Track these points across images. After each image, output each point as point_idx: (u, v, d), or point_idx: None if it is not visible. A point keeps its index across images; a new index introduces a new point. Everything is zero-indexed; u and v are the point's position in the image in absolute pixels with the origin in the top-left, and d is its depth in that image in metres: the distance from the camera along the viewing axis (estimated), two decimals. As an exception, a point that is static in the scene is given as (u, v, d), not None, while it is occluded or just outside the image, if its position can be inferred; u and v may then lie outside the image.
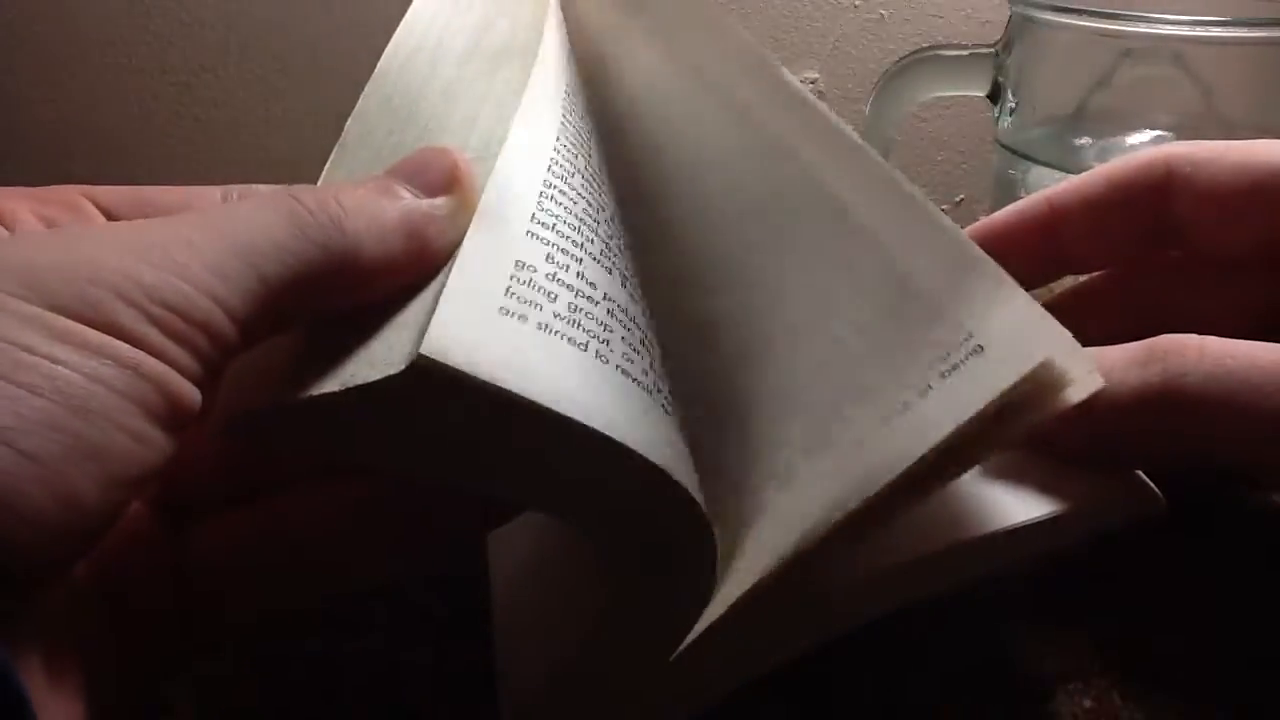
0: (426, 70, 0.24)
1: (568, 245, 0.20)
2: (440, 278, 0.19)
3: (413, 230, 0.19)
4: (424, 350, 0.16)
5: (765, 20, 0.62)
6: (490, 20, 0.25)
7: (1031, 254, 0.27)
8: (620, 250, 0.22)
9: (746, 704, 0.23)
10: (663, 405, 0.20)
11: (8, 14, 0.60)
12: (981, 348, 0.20)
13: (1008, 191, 0.43)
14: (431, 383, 0.16)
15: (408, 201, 0.19)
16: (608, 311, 0.20)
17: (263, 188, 0.23)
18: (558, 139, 0.23)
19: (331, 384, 0.17)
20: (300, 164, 0.63)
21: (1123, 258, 0.27)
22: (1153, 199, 0.25)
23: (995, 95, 0.44)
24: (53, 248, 0.16)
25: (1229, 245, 0.25)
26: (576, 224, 0.21)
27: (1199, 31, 0.37)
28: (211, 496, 0.22)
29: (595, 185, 0.23)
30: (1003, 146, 0.44)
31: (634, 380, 0.19)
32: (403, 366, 0.17)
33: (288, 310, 0.18)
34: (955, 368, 0.20)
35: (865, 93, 0.47)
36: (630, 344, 0.20)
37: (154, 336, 0.16)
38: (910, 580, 0.22)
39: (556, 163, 0.22)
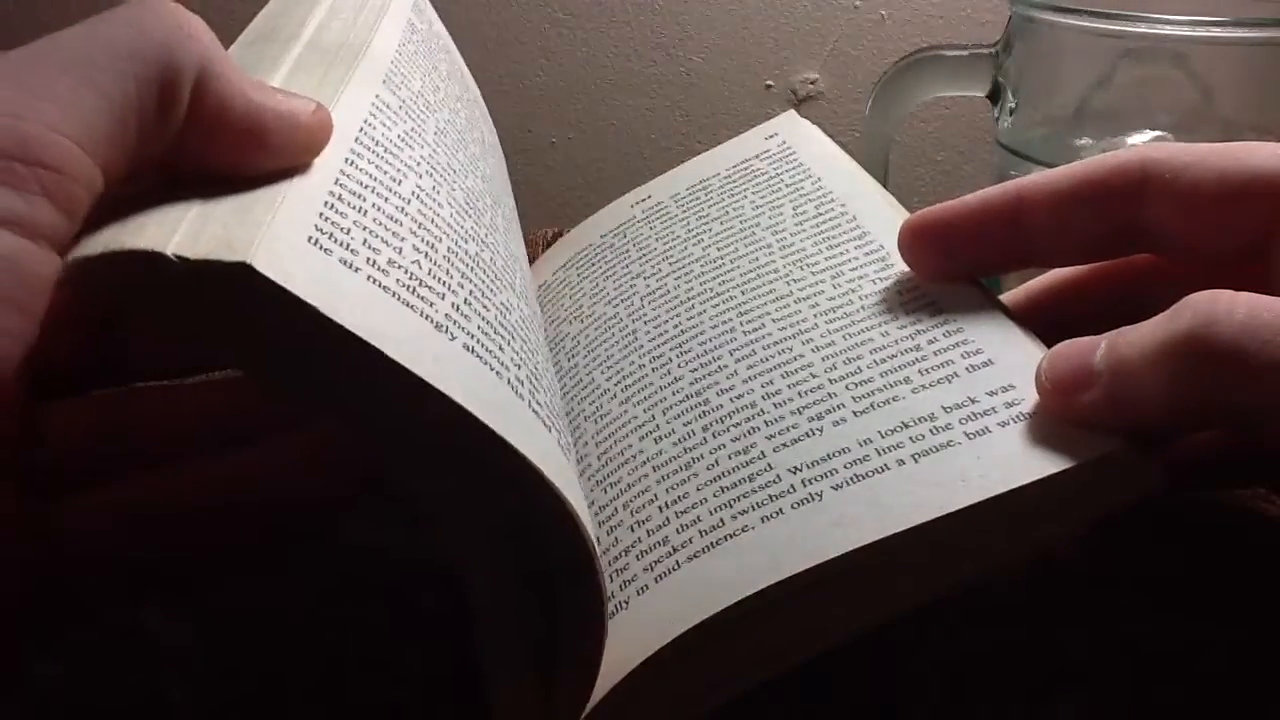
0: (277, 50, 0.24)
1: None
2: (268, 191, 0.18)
3: (278, 117, 0.18)
4: (249, 260, 0.15)
5: (765, 20, 0.62)
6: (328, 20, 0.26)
7: (994, 242, 0.26)
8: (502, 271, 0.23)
9: (743, 704, 0.22)
10: (530, 405, 0.20)
11: (8, 14, 0.60)
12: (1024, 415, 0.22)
13: (1008, 191, 0.43)
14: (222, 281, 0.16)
15: (282, 97, 0.18)
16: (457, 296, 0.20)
17: None
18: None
19: (102, 245, 0.15)
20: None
21: (1087, 256, 0.27)
22: (1125, 201, 0.24)
23: (995, 95, 0.44)
24: None
25: (1208, 250, 0.24)
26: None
27: (1199, 31, 0.37)
28: (78, 468, 0.21)
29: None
30: (1003, 146, 0.44)
31: (489, 366, 0.19)
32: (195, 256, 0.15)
33: (142, 143, 0.16)
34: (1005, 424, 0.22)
35: (865, 93, 0.47)
36: (492, 336, 0.20)
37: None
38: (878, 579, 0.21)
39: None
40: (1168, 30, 0.38)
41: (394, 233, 0.20)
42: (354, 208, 0.20)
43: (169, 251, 0.16)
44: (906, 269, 0.27)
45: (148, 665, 0.25)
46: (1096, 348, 0.22)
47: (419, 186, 0.23)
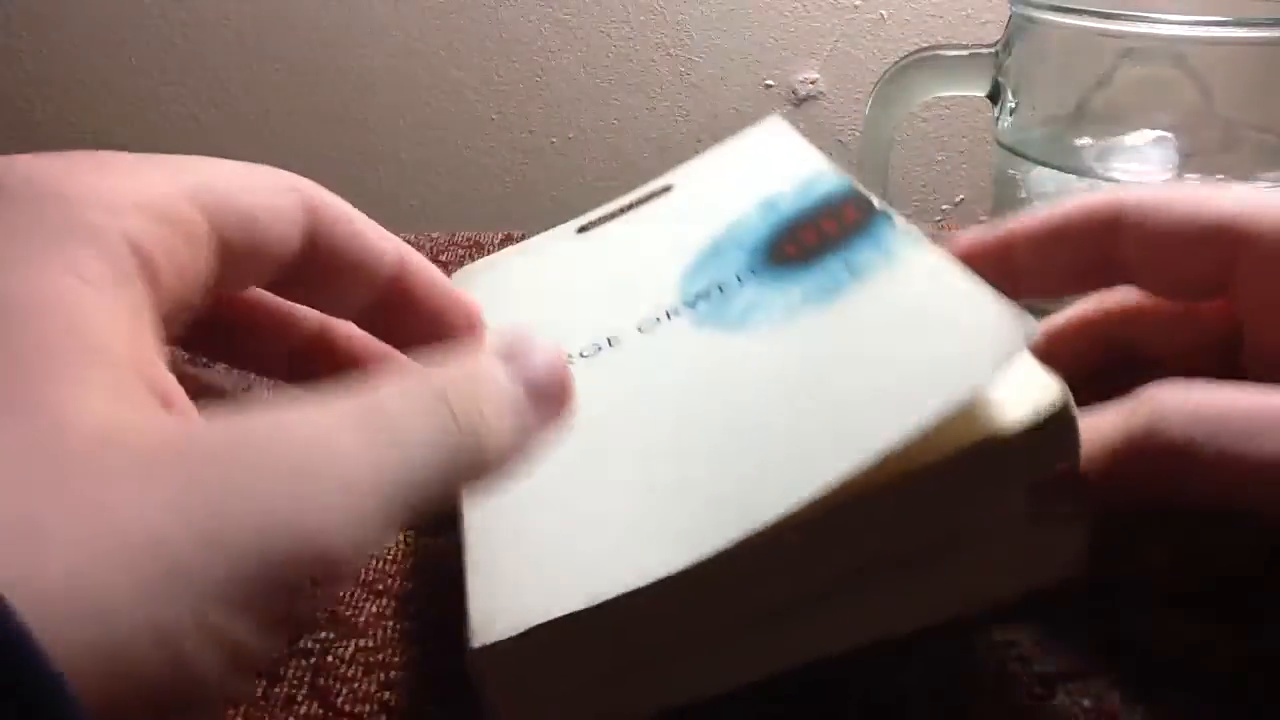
0: None
1: None
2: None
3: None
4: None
5: (765, 20, 0.62)
6: None
7: (985, 276, 0.27)
8: None
9: (740, 703, 0.22)
10: None
11: (8, 14, 0.61)
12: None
13: (1008, 191, 0.43)
14: None
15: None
16: None
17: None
18: None
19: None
20: (300, 164, 0.64)
21: (1068, 289, 0.29)
22: (1099, 241, 0.26)
23: (995, 95, 0.44)
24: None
25: (1178, 286, 0.26)
26: None
27: (1199, 31, 0.37)
28: None
29: None
30: (1003, 146, 0.44)
31: None
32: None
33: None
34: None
35: (865, 93, 0.47)
36: None
37: None
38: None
39: None
40: (1168, 30, 0.38)
41: None
42: None
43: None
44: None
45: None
46: None
47: None
